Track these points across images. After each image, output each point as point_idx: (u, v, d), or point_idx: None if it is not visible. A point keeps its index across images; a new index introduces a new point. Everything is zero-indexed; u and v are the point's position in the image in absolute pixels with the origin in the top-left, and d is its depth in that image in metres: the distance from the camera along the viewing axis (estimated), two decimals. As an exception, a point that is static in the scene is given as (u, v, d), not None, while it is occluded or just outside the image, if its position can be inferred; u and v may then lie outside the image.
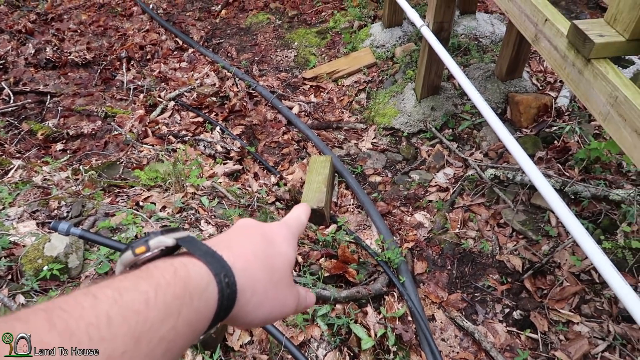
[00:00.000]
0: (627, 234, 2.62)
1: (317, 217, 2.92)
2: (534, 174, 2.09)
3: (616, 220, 2.70)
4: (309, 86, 4.48)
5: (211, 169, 3.27)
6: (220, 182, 3.06)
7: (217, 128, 3.81)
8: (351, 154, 3.71)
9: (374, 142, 3.80)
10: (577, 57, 1.68)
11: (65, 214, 2.37)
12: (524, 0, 2.04)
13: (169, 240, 0.47)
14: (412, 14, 3.35)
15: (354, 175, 3.41)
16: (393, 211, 3.18)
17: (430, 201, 3.22)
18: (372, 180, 3.48)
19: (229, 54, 4.99)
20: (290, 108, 4.13)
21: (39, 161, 3.30)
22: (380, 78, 4.33)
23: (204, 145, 3.61)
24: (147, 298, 0.38)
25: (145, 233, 2.20)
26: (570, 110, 3.55)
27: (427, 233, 3.01)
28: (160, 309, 0.38)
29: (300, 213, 0.63)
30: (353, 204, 3.22)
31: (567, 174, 3.03)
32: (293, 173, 3.44)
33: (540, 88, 3.83)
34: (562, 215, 1.92)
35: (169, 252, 0.47)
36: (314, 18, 5.36)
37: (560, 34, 1.77)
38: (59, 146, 3.63)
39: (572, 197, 2.88)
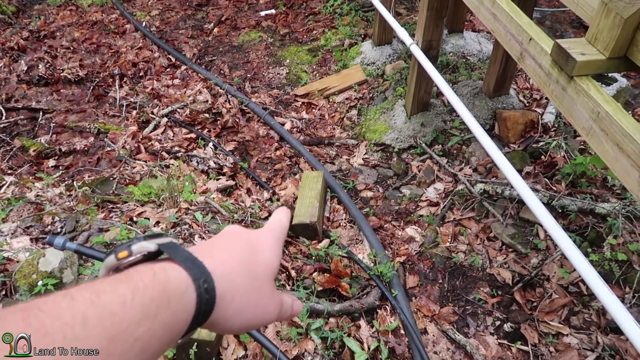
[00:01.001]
0: (613, 247, 2.68)
1: (310, 231, 2.94)
2: (522, 188, 2.14)
3: (602, 233, 2.76)
4: (300, 103, 4.54)
5: (204, 185, 3.29)
6: (214, 198, 3.08)
7: (210, 144, 3.84)
8: (343, 169, 3.76)
9: (365, 158, 3.85)
10: (561, 75, 1.75)
11: (59, 230, 2.37)
12: (510, 20, 2.11)
13: (151, 245, 0.48)
14: (401, 33, 3.43)
15: (345, 191, 3.45)
16: (385, 226, 3.22)
17: (421, 216, 3.26)
18: (364, 195, 3.52)
19: (222, 71, 5.05)
20: (283, 124, 4.17)
21: (31, 177, 3.30)
22: (370, 95, 4.41)
23: (196, 161, 3.64)
24: (124, 300, 0.39)
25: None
26: (556, 126, 3.64)
27: (419, 247, 3.05)
28: (137, 311, 0.39)
29: (282, 216, 0.64)
30: (345, 219, 3.25)
31: (554, 188, 3.09)
32: (286, 188, 3.47)
33: (527, 104, 3.92)
34: (550, 229, 1.97)
35: (152, 257, 0.48)
36: (305, 36, 5.45)
37: (544, 53, 1.84)
38: (52, 162, 3.64)
39: (560, 210, 2.94)
